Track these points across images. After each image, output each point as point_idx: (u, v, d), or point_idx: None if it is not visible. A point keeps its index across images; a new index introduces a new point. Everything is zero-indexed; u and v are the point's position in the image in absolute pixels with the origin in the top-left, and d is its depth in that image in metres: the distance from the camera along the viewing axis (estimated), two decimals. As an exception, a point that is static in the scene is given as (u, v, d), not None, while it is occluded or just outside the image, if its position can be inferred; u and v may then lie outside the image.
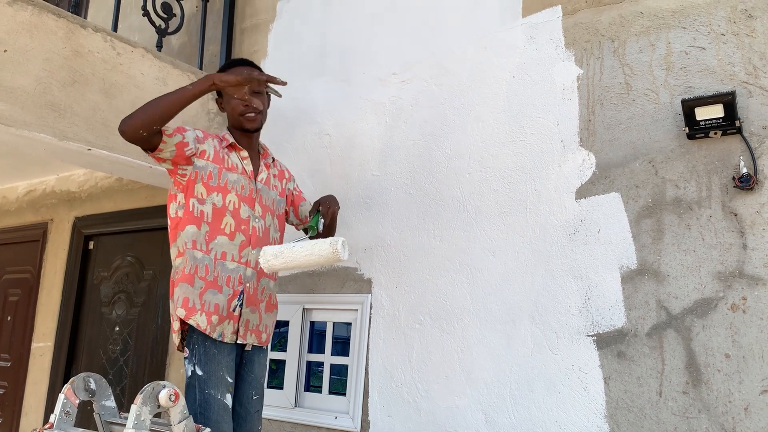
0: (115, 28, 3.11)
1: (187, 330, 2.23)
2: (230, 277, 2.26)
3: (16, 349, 4.67)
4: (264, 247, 2.19)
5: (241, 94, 2.31)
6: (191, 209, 2.24)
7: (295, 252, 2.13)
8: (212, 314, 2.20)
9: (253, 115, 2.37)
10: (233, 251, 2.27)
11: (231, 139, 2.37)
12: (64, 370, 4.19)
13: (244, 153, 2.39)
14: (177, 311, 2.20)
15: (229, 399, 2.22)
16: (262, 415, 2.90)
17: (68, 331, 4.26)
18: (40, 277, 4.62)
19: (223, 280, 2.25)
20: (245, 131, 2.40)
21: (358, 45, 3.06)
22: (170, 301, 2.28)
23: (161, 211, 3.83)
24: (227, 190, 2.28)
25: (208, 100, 3.18)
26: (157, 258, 3.88)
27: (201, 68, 3.45)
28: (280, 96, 2.30)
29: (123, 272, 4.09)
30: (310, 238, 2.26)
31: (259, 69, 2.39)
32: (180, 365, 3.49)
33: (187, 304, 2.19)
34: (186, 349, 2.23)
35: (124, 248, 4.15)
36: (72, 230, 4.48)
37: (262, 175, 2.44)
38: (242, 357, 2.35)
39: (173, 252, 2.29)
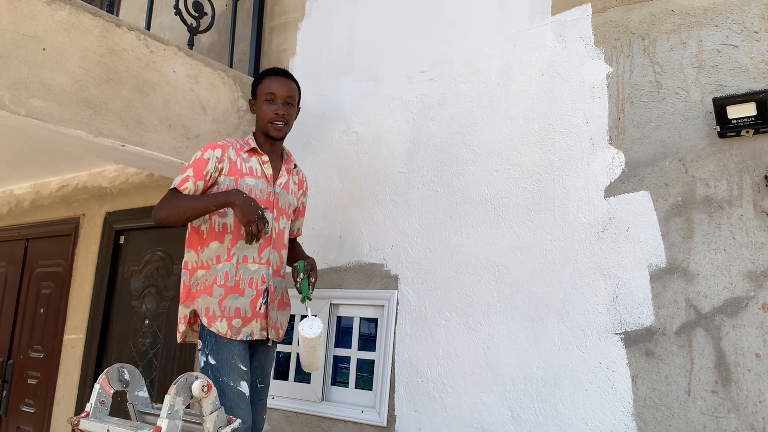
0: (148, 26, 3.16)
1: (198, 323, 2.36)
2: (253, 279, 2.37)
3: (48, 341, 4.78)
4: (319, 321, 2.37)
5: (277, 107, 2.45)
6: (214, 225, 2.37)
7: (319, 349, 2.41)
8: (233, 318, 2.32)
9: (280, 124, 2.47)
10: (253, 253, 2.38)
11: (253, 144, 2.48)
12: (95, 361, 4.28)
13: (265, 157, 2.49)
14: (201, 320, 2.32)
15: (244, 386, 2.29)
16: (291, 408, 2.96)
17: (99, 324, 4.34)
18: (72, 271, 4.72)
19: (246, 282, 2.35)
20: (270, 138, 2.49)
21: (386, 43, 3.08)
22: (182, 305, 2.39)
23: (191, 206, 3.89)
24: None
25: (238, 98, 3.23)
26: (187, 253, 3.95)
27: (231, 66, 3.50)
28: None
29: (153, 266, 4.17)
30: (302, 301, 2.43)
31: (292, 81, 2.55)
32: (208, 358, 3.54)
33: (208, 312, 2.31)
34: (199, 341, 2.33)
35: (154, 243, 4.22)
36: (103, 225, 4.56)
37: (282, 179, 2.53)
38: (251, 346, 2.43)
39: (192, 260, 2.40)
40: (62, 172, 4.99)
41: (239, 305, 2.33)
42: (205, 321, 2.30)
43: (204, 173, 2.33)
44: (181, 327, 2.39)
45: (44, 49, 2.48)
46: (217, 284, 2.32)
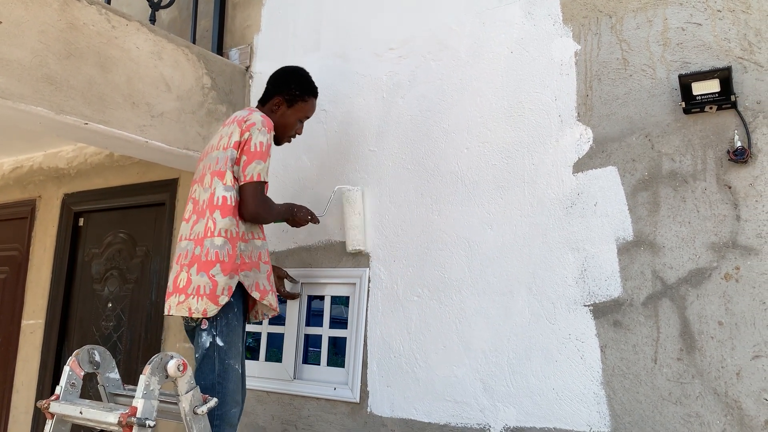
0: (108, 0, 3.06)
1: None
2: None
3: (5, 326, 4.65)
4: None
5: (301, 127, 2.68)
6: None
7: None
8: (274, 293, 2.46)
9: (291, 141, 2.74)
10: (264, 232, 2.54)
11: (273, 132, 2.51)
12: (55, 347, 4.18)
13: None
14: (252, 293, 2.35)
15: (243, 369, 2.36)
16: (262, 388, 2.96)
17: (59, 308, 4.24)
18: (29, 255, 4.58)
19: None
20: (275, 143, 2.61)
21: (354, 20, 3.05)
22: (226, 275, 2.26)
23: (153, 187, 3.83)
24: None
25: (203, 75, 3.16)
26: (150, 234, 3.88)
27: (194, 42, 3.42)
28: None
29: (115, 249, 4.08)
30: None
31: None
32: (176, 340, 3.50)
33: (259, 287, 2.37)
34: (204, 320, 2.26)
35: (115, 225, 4.13)
36: (61, 207, 4.44)
37: None
38: None
39: (232, 229, 2.31)
40: (16, 152, 4.82)
41: (272, 281, 2.49)
42: (257, 295, 2.36)
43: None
44: (224, 299, 2.24)
45: (0, 22, 2.38)
46: (262, 261, 2.41)
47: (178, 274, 2.34)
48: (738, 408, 1.93)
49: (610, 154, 2.27)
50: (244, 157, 2.34)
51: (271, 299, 2.42)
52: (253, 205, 2.32)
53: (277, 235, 3.09)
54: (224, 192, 2.32)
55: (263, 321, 3.05)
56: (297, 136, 2.70)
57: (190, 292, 2.26)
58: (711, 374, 1.99)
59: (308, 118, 2.69)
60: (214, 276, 2.25)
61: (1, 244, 4.91)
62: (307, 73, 2.67)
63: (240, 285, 2.32)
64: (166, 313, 2.37)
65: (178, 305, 2.29)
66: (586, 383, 2.19)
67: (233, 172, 2.34)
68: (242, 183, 2.33)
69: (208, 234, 2.29)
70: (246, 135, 2.35)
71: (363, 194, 2.83)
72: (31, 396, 4.25)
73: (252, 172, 2.32)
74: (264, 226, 2.51)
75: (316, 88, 2.68)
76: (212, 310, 2.23)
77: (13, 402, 4.39)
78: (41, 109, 2.49)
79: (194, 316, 2.25)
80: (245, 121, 2.38)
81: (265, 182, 2.37)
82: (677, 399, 2.03)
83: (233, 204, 2.31)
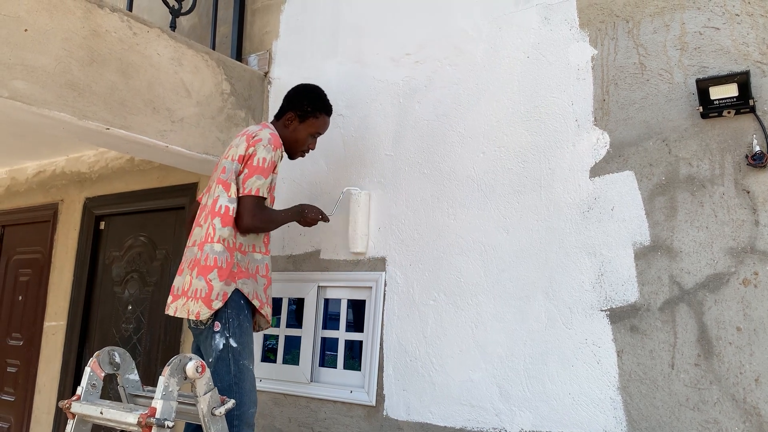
0: (130, 8, 3.12)
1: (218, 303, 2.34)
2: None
3: (27, 328, 4.73)
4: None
5: (314, 142, 2.72)
6: None
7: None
8: (271, 306, 2.57)
9: (305, 155, 2.78)
10: (269, 246, 2.61)
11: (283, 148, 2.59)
12: (77, 348, 4.25)
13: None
14: (253, 301, 2.42)
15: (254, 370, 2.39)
16: (279, 390, 2.99)
17: (80, 310, 4.31)
18: (51, 257, 4.66)
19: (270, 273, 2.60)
20: (288, 156, 2.71)
21: (371, 25, 3.08)
22: (222, 282, 2.33)
23: (173, 191, 3.87)
24: (273, 197, 2.62)
25: (222, 81, 3.21)
26: (170, 238, 3.93)
27: (214, 48, 3.47)
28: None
29: (135, 252, 4.14)
30: None
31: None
32: (194, 342, 3.54)
33: (258, 297, 2.43)
34: (217, 322, 2.31)
35: (136, 228, 4.18)
36: (83, 211, 4.51)
37: None
38: None
39: (230, 238, 2.38)
40: (39, 157, 4.91)
41: (269, 294, 2.54)
42: (257, 303, 2.43)
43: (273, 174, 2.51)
44: (218, 304, 2.31)
45: (26, 30, 2.44)
46: (260, 274, 2.47)
47: (182, 277, 2.44)
48: (757, 414, 1.91)
49: (627, 158, 2.27)
50: (245, 171, 2.42)
51: (267, 311, 2.49)
52: (249, 219, 2.38)
53: (295, 240, 3.12)
54: (227, 203, 2.40)
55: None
56: (311, 150, 2.74)
57: (190, 295, 2.35)
58: (729, 380, 1.97)
59: (320, 134, 2.73)
60: (211, 281, 2.33)
61: (25, 247, 5.00)
62: (322, 91, 2.72)
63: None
64: (171, 314, 2.43)
65: (183, 306, 2.37)
66: (602, 388, 2.19)
67: (237, 184, 2.42)
68: (240, 195, 2.40)
69: (208, 239, 2.38)
70: (251, 150, 2.44)
71: (369, 197, 2.88)
72: (52, 397, 4.32)
73: (251, 186, 2.39)
74: (272, 239, 2.55)
75: (330, 106, 2.73)
76: (205, 314, 2.31)
77: (35, 402, 4.46)
78: (64, 115, 2.54)
79: (191, 318, 2.34)
80: (253, 136, 2.47)
81: (264, 197, 2.42)
82: (695, 405, 2.01)
83: (233, 215, 2.39)
